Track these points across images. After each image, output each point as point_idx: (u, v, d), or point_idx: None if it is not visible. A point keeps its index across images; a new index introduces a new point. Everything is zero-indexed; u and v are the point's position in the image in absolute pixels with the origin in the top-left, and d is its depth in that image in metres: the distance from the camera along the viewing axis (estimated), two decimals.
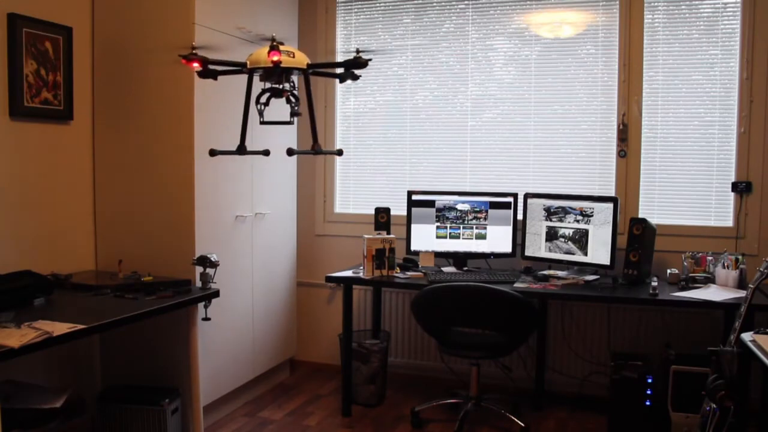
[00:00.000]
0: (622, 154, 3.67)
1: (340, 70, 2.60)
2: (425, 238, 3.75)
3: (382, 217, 3.76)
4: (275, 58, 2.30)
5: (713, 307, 2.98)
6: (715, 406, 2.33)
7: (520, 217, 3.68)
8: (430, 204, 3.75)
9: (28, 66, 2.92)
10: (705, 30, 3.53)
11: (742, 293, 2.94)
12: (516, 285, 3.25)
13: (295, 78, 2.51)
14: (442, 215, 3.74)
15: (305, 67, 2.46)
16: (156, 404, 2.99)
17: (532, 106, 3.85)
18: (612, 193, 3.69)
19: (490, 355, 3.34)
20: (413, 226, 3.76)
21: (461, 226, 3.73)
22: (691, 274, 3.30)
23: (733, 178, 3.51)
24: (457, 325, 3.34)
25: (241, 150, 2.57)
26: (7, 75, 2.85)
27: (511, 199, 3.69)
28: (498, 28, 3.88)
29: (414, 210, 3.76)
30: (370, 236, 3.49)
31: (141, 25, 3.18)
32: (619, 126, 3.66)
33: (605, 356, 3.67)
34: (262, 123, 2.55)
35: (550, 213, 3.58)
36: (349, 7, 4.16)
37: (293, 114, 2.54)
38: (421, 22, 4.02)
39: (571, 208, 3.52)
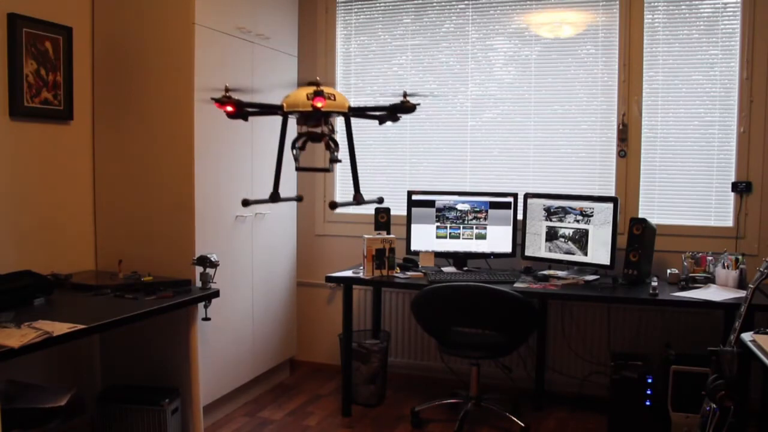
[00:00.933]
0: (622, 154, 3.67)
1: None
2: (425, 238, 3.75)
3: (382, 217, 3.76)
4: (319, 105, 2.14)
5: (713, 307, 2.98)
6: (715, 406, 2.33)
7: (520, 217, 3.68)
8: (430, 204, 3.75)
9: (28, 66, 2.93)
10: (705, 30, 3.53)
11: (742, 293, 2.94)
12: (516, 285, 3.25)
13: (333, 120, 2.34)
14: (442, 215, 3.74)
15: (346, 110, 2.28)
16: (156, 404, 2.98)
17: (532, 106, 3.85)
18: (612, 193, 3.69)
19: (490, 355, 3.34)
20: (413, 226, 3.76)
21: (461, 226, 3.73)
22: (691, 274, 3.30)
23: (733, 178, 3.51)
24: (457, 325, 3.34)
25: (275, 198, 2.38)
26: (7, 75, 2.85)
27: (511, 199, 3.69)
28: (498, 28, 3.88)
29: (414, 210, 3.76)
30: (370, 236, 3.49)
31: (141, 25, 3.18)
32: (619, 126, 3.66)
33: (605, 356, 3.67)
34: (299, 170, 2.40)
35: (550, 213, 3.58)
36: (349, 7, 4.16)
37: (333, 161, 2.35)
38: (421, 22, 4.02)
39: (571, 208, 3.52)
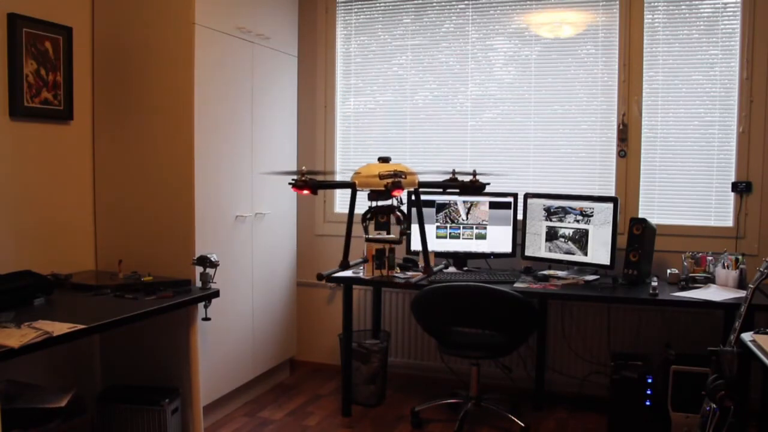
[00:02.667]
0: (622, 154, 3.67)
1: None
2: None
3: (382, 217, 3.75)
4: (397, 194, 2.23)
5: (713, 307, 2.98)
6: (715, 406, 2.33)
7: (520, 217, 3.68)
8: (430, 204, 3.75)
9: (28, 66, 2.92)
10: (705, 30, 3.53)
11: (742, 293, 2.94)
12: (516, 285, 3.25)
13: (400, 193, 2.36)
14: (443, 215, 3.74)
15: (416, 187, 2.38)
16: (156, 404, 2.98)
17: (532, 106, 3.85)
18: (612, 193, 3.69)
19: (490, 355, 3.34)
20: (413, 226, 3.76)
21: (461, 226, 3.73)
22: (691, 274, 3.30)
23: (733, 178, 3.51)
24: (457, 325, 3.34)
25: (345, 265, 2.50)
26: (7, 75, 2.85)
27: (511, 199, 3.69)
28: (498, 28, 3.88)
29: (414, 210, 3.75)
30: (371, 236, 3.48)
31: (141, 25, 3.18)
32: (619, 126, 3.66)
33: (605, 356, 3.67)
34: (368, 240, 2.49)
35: (550, 213, 3.58)
36: (349, 7, 4.16)
37: (403, 233, 2.43)
38: (421, 22, 4.02)
39: (571, 208, 3.52)
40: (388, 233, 3.63)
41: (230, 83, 3.42)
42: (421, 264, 2.45)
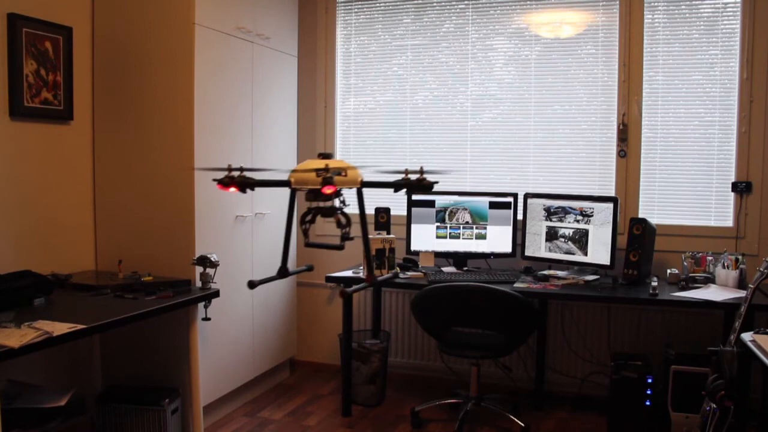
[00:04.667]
0: (622, 154, 3.67)
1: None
2: (425, 238, 3.75)
3: (382, 217, 3.76)
4: (329, 192, 2.01)
5: (713, 307, 2.98)
6: (715, 406, 2.33)
7: (520, 217, 3.68)
8: (430, 204, 3.75)
9: (28, 66, 2.92)
10: (705, 30, 3.53)
11: (742, 293, 2.94)
12: (516, 285, 3.25)
13: (344, 191, 2.21)
14: (442, 215, 3.74)
15: (359, 186, 2.16)
16: (156, 404, 2.98)
17: (532, 106, 3.85)
18: (612, 193, 3.69)
19: (490, 355, 3.34)
20: (413, 226, 3.76)
21: (461, 226, 3.73)
22: (691, 274, 3.30)
23: (733, 178, 3.51)
24: (457, 325, 3.34)
25: (284, 273, 2.28)
26: (7, 75, 2.85)
27: (511, 199, 3.69)
28: (498, 28, 3.88)
29: (414, 210, 3.75)
30: (370, 236, 3.49)
31: (141, 25, 3.18)
32: (619, 126, 3.66)
33: (605, 356, 3.67)
34: (308, 245, 2.28)
35: (550, 213, 3.58)
36: (349, 7, 4.16)
37: (345, 239, 2.20)
38: (421, 22, 4.02)
39: (571, 208, 3.52)
40: (388, 233, 3.65)
41: (230, 83, 3.42)
42: (371, 272, 2.28)
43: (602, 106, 3.72)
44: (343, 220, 2.16)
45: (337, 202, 2.16)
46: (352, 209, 2.20)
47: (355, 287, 2.26)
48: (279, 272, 2.27)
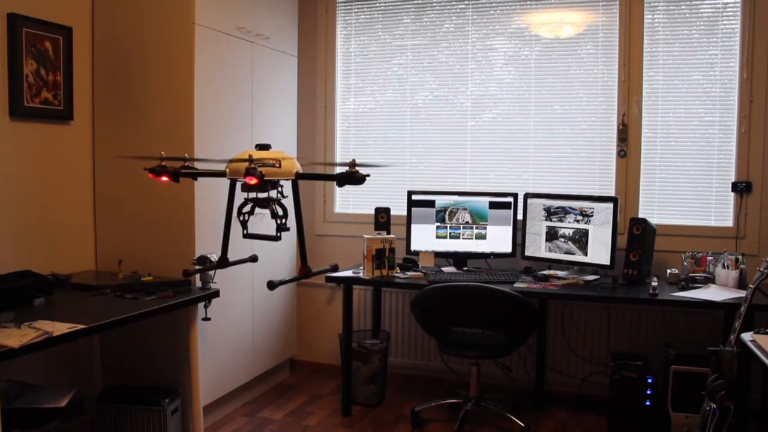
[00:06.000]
0: (622, 154, 3.67)
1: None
2: (425, 238, 3.75)
3: (382, 217, 3.76)
4: (252, 183, 1.97)
5: (713, 307, 2.98)
6: (715, 406, 2.33)
7: (520, 217, 3.68)
8: (430, 204, 3.75)
9: (28, 66, 2.92)
10: (705, 30, 3.53)
11: (742, 293, 2.94)
12: (516, 285, 3.25)
13: (284, 182, 2.17)
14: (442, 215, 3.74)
15: (294, 177, 2.13)
16: (156, 404, 2.98)
17: (532, 106, 3.85)
18: (612, 193, 3.69)
19: (490, 355, 3.34)
20: (413, 226, 3.76)
21: (461, 226, 3.73)
22: (691, 274, 3.30)
23: (733, 178, 3.51)
24: (457, 325, 3.34)
25: (223, 263, 2.25)
26: (7, 75, 2.85)
27: (511, 199, 3.69)
28: (498, 28, 3.88)
29: (414, 210, 3.76)
30: (370, 236, 3.49)
31: (141, 25, 3.18)
32: (619, 126, 3.66)
33: (605, 356, 3.67)
34: (246, 237, 2.25)
35: (550, 213, 3.58)
36: (349, 7, 4.16)
37: (280, 229, 2.21)
38: (421, 22, 4.02)
39: (571, 208, 3.52)
40: (388, 233, 3.65)
41: (230, 83, 3.42)
42: (326, 268, 2.26)
43: (602, 106, 3.72)
44: (278, 210, 2.15)
45: (274, 194, 2.12)
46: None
47: (283, 279, 2.24)
48: (219, 262, 2.24)
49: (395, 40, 4.09)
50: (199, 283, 3.02)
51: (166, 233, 3.20)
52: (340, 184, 2.13)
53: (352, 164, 2.04)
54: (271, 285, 2.13)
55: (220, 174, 2.07)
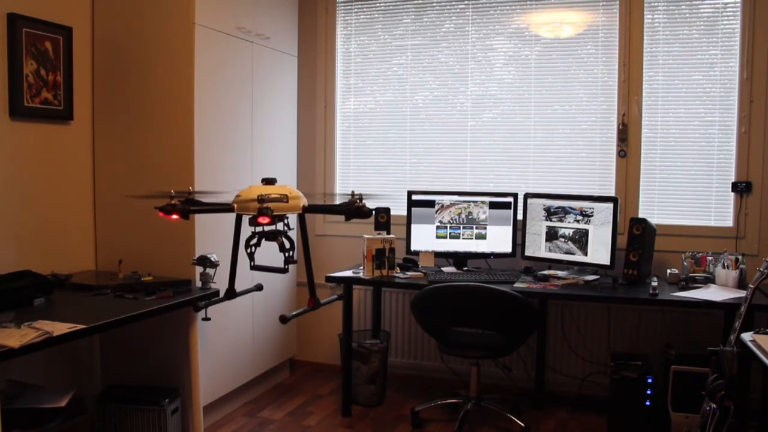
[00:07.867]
0: (622, 154, 3.67)
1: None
2: (425, 238, 3.75)
3: (382, 217, 3.76)
4: (264, 222, 2.07)
5: (713, 307, 2.98)
6: (715, 406, 2.33)
7: (520, 217, 3.68)
8: (430, 204, 3.75)
9: (28, 66, 2.92)
10: (705, 30, 3.53)
11: (742, 293, 2.94)
12: (516, 285, 3.25)
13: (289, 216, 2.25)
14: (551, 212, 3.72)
15: (301, 211, 2.21)
16: (156, 404, 2.98)
17: (532, 106, 3.85)
18: (612, 193, 3.69)
19: (490, 355, 3.34)
20: (413, 226, 3.76)
21: (461, 226, 3.73)
22: (691, 274, 3.30)
23: (733, 178, 3.51)
24: (457, 325, 3.34)
25: (231, 294, 2.35)
26: (7, 75, 2.85)
27: (511, 199, 3.69)
28: (498, 28, 3.88)
29: (414, 210, 3.76)
30: (370, 236, 3.49)
31: (141, 25, 3.18)
32: (619, 126, 3.66)
33: (605, 356, 3.67)
34: (253, 269, 2.31)
35: (550, 213, 3.58)
36: (349, 7, 4.16)
37: (288, 262, 2.26)
38: (421, 22, 4.02)
39: (571, 208, 3.52)
40: (388, 233, 3.65)
41: (230, 83, 3.42)
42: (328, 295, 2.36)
43: (602, 106, 3.72)
44: (286, 243, 2.20)
45: (281, 226, 2.19)
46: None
47: (295, 312, 2.40)
48: (226, 294, 2.36)
49: (395, 40, 4.09)
50: (199, 283, 3.02)
51: (166, 233, 3.20)
52: (348, 219, 2.24)
53: (360, 198, 2.20)
54: (284, 319, 2.26)
55: (228, 209, 2.14)
